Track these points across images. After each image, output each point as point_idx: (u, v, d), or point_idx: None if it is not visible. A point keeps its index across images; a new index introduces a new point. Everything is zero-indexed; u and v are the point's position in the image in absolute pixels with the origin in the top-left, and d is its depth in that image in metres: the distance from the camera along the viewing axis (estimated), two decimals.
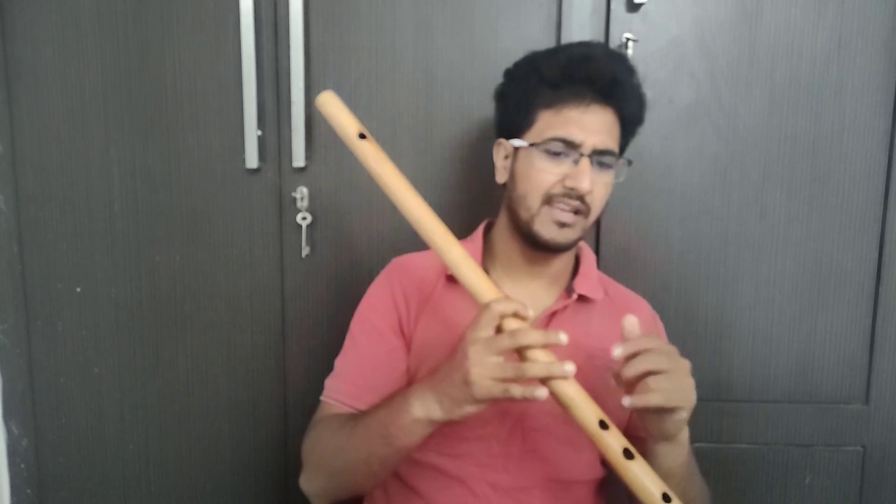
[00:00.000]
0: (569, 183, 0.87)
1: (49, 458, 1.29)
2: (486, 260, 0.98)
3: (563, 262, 0.98)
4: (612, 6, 1.18)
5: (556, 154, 0.88)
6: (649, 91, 1.19)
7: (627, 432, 0.86)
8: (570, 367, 0.72)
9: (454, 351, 0.76)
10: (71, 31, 1.18)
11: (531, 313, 0.75)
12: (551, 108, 0.89)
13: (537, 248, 0.92)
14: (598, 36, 1.19)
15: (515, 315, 0.74)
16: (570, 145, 0.87)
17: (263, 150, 1.20)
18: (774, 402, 1.27)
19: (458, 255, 0.80)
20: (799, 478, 1.29)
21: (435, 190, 1.22)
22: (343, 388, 0.95)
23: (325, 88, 1.18)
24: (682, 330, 1.24)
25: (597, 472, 0.97)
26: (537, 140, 0.89)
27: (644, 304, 1.05)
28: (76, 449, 1.29)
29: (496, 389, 0.72)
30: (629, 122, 0.93)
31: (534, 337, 0.72)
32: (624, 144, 0.95)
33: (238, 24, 1.15)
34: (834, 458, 1.29)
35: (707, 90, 1.20)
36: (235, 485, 1.29)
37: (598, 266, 1.22)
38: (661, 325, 1.05)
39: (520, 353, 0.73)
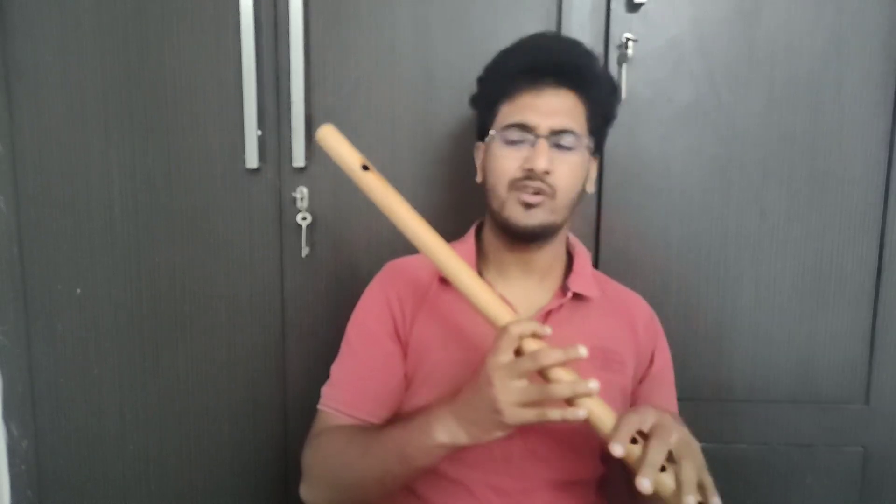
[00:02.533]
0: (527, 165, 0.88)
1: (49, 458, 1.29)
2: (479, 260, 0.98)
3: (552, 256, 0.97)
4: (612, 6, 1.18)
5: (514, 141, 0.90)
6: (648, 91, 1.20)
7: None
8: (594, 385, 0.72)
9: (475, 377, 0.75)
10: (71, 31, 1.18)
11: (548, 330, 0.75)
12: (509, 99, 0.91)
13: (514, 236, 0.92)
14: (598, 36, 1.19)
15: (533, 335, 0.74)
16: (526, 129, 0.89)
17: (263, 150, 1.20)
18: (775, 402, 1.27)
19: (471, 279, 0.80)
20: (799, 478, 1.29)
21: (434, 188, 1.22)
22: (341, 397, 0.94)
23: (325, 88, 1.20)
24: (682, 330, 1.24)
25: (597, 470, 0.96)
26: (497, 130, 0.92)
27: (641, 302, 1.05)
28: (76, 449, 1.29)
29: (528, 415, 0.72)
30: (597, 105, 0.93)
31: (555, 356, 0.72)
32: (596, 128, 0.94)
33: (238, 24, 1.15)
34: (834, 458, 1.28)
35: (706, 90, 1.20)
36: (235, 485, 1.29)
37: (598, 266, 1.23)
38: (657, 323, 1.05)
39: (541, 372, 0.73)
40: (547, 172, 0.87)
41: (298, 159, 1.19)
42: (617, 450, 0.70)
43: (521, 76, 0.90)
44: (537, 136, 0.88)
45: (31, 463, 1.29)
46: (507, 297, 0.92)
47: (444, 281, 0.95)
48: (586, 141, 0.91)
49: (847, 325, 1.26)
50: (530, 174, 0.88)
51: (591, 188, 0.98)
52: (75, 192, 1.22)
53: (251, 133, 1.18)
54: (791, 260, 1.24)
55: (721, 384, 1.27)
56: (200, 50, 1.19)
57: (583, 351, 0.72)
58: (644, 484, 0.68)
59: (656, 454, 0.70)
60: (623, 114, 1.20)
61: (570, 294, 0.95)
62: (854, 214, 1.23)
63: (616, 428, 0.72)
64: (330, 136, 0.84)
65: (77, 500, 1.30)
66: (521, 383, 0.72)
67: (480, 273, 0.95)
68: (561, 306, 0.95)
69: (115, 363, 1.27)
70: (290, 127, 1.18)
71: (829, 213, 1.23)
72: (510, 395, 0.72)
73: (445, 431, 0.77)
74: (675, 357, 1.06)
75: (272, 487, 1.29)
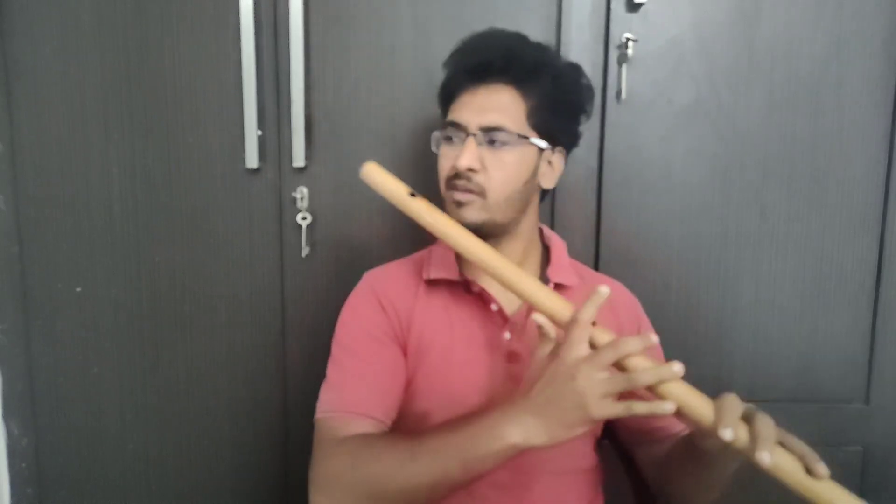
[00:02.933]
0: (455, 163, 0.89)
1: (49, 458, 1.29)
2: (459, 258, 0.98)
3: (520, 250, 0.96)
4: (612, 6, 1.18)
5: (450, 139, 0.91)
6: (649, 91, 1.20)
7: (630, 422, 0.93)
8: (678, 368, 0.70)
9: (551, 375, 0.73)
10: (71, 31, 1.18)
11: (606, 290, 0.74)
12: (453, 99, 0.93)
13: None
14: (598, 36, 1.19)
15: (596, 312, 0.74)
16: (459, 127, 0.90)
17: (263, 150, 1.20)
18: (775, 401, 1.27)
19: (532, 283, 0.80)
20: None
21: (434, 189, 1.21)
22: (351, 398, 0.88)
23: (325, 88, 1.20)
24: (682, 330, 1.24)
25: (590, 459, 0.97)
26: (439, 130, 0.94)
27: (622, 288, 1.05)
28: (76, 449, 1.29)
29: (616, 408, 0.71)
30: (541, 98, 0.90)
31: (635, 344, 0.71)
32: (542, 122, 0.91)
33: (238, 24, 1.15)
34: (834, 457, 1.26)
35: (706, 90, 1.20)
36: (235, 485, 1.29)
37: (598, 266, 1.23)
38: (638, 304, 1.05)
39: (617, 364, 0.72)
40: (472, 171, 0.87)
41: (298, 159, 1.19)
42: (728, 434, 0.69)
43: (461, 75, 0.92)
44: (467, 135, 0.88)
45: (31, 461, 1.29)
46: (489, 292, 0.93)
47: (431, 284, 0.95)
48: (521, 137, 0.89)
49: (847, 324, 1.26)
50: (458, 173, 0.88)
51: (547, 184, 0.95)
52: (75, 191, 1.22)
53: (251, 133, 1.18)
54: (791, 260, 1.24)
55: (721, 383, 1.27)
56: (200, 50, 1.19)
57: (654, 338, 0.72)
58: (765, 457, 0.68)
59: (769, 430, 0.71)
60: (623, 114, 1.20)
61: (550, 285, 0.95)
62: (854, 214, 1.23)
63: (722, 411, 0.71)
64: (374, 173, 0.86)
65: (77, 498, 1.30)
66: (604, 375, 0.70)
67: (464, 270, 0.96)
68: None
69: (114, 363, 1.27)
70: (290, 127, 1.18)
71: (829, 213, 1.23)
72: (596, 387, 0.70)
73: (520, 432, 0.73)
74: (674, 357, 1.06)
75: (272, 487, 1.29)
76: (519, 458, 0.89)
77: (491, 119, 0.88)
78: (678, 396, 0.72)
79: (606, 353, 0.71)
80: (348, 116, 1.20)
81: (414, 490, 0.77)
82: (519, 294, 0.80)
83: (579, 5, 1.18)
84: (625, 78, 1.18)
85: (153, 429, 1.28)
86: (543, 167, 0.93)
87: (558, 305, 0.77)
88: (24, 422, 1.28)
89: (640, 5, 1.17)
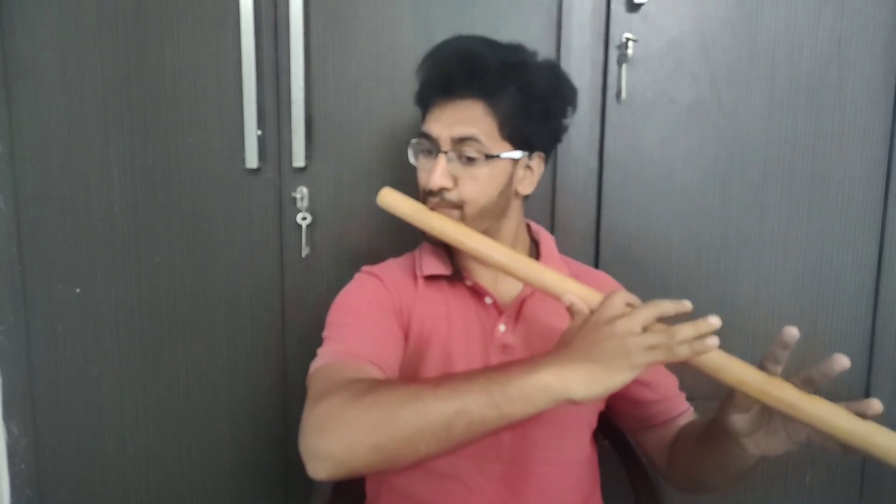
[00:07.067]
0: (429, 178, 0.89)
1: (49, 458, 1.29)
2: (451, 258, 0.98)
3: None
4: (612, 6, 1.18)
5: (426, 151, 0.91)
6: (649, 91, 1.20)
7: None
8: (714, 320, 0.71)
9: (592, 326, 0.72)
10: (71, 31, 1.18)
11: (636, 299, 0.76)
12: (427, 109, 0.92)
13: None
14: (598, 36, 1.19)
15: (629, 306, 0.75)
16: (430, 140, 0.90)
17: (263, 150, 1.20)
18: None
19: (555, 276, 0.81)
20: (799, 476, 1.29)
21: None
22: (357, 349, 0.84)
23: (325, 88, 1.20)
24: None
25: (585, 450, 0.97)
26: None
27: (608, 278, 1.05)
28: (76, 449, 1.29)
29: (657, 354, 0.69)
30: (510, 109, 0.88)
31: (668, 306, 0.73)
32: (516, 132, 0.89)
33: (238, 24, 1.15)
34: (834, 457, 1.27)
35: (707, 90, 1.20)
36: (235, 485, 1.29)
37: (598, 266, 1.23)
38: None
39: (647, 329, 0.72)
40: (444, 189, 0.88)
41: (298, 159, 1.19)
42: (777, 369, 0.75)
43: (428, 88, 0.92)
44: (439, 151, 0.88)
45: (30, 462, 1.29)
46: (484, 288, 0.93)
47: (429, 279, 0.95)
48: (492, 149, 0.88)
49: (846, 324, 1.26)
50: (431, 190, 0.89)
51: (525, 189, 0.94)
52: (75, 191, 1.22)
53: (251, 133, 1.18)
54: (791, 260, 1.24)
55: (721, 384, 1.27)
56: (200, 50, 1.19)
57: (688, 304, 0.73)
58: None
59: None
60: (624, 114, 1.20)
61: None
62: (854, 215, 1.23)
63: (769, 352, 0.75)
64: (390, 197, 0.89)
65: (77, 499, 1.30)
66: (641, 330, 0.71)
67: (460, 268, 0.96)
68: (533, 293, 0.95)
69: (114, 363, 1.27)
70: (290, 127, 1.18)
71: (829, 213, 1.23)
72: (636, 338, 0.69)
73: (557, 372, 0.68)
74: None
75: (272, 487, 1.29)
76: (513, 448, 0.90)
77: (461, 131, 0.87)
78: (717, 359, 0.74)
79: (643, 310, 0.71)
80: (348, 116, 1.20)
81: (425, 427, 0.68)
82: (550, 291, 0.80)
83: (579, 5, 1.18)
84: (625, 78, 1.18)
85: (153, 429, 1.28)
86: (521, 173, 0.93)
87: (590, 294, 0.78)
88: (24, 422, 1.28)
89: (640, 5, 1.17)
